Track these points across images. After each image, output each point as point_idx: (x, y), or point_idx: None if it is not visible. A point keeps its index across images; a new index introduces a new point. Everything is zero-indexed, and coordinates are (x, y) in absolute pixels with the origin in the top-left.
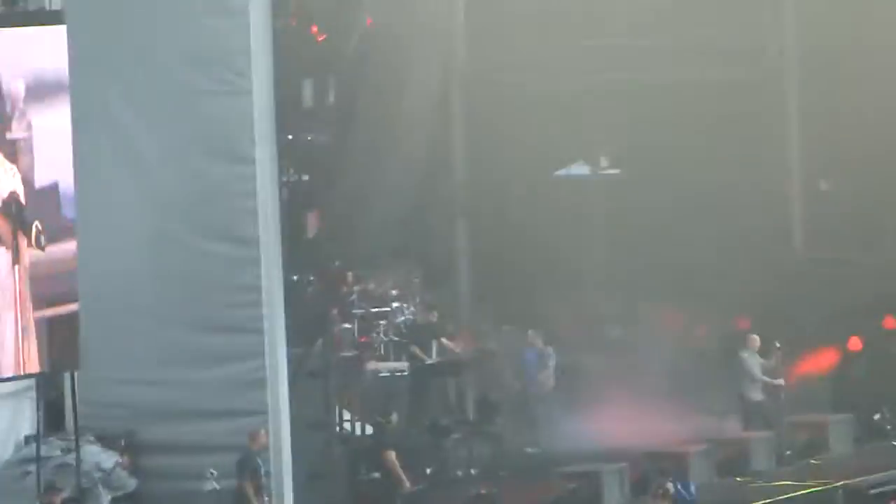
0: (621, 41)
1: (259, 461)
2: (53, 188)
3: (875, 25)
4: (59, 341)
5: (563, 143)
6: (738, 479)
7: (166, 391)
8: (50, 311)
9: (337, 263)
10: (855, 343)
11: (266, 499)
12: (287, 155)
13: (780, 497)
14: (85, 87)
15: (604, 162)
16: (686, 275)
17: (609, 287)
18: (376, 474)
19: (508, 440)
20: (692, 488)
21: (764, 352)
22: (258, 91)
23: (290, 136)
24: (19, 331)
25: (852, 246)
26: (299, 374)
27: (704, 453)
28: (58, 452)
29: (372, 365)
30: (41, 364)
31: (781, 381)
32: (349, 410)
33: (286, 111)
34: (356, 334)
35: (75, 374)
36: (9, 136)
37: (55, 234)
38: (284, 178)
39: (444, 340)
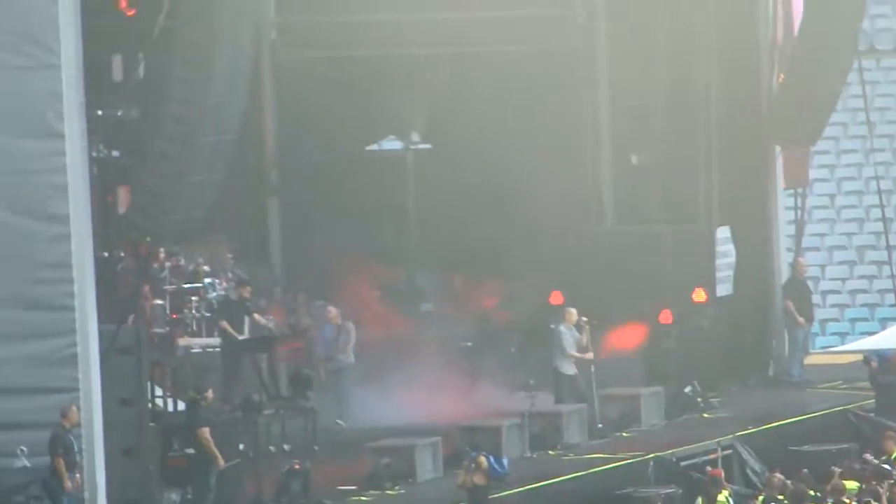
0: (433, 15)
1: (71, 438)
2: None
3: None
4: None
5: (375, 118)
6: (551, 452)
7: None
8: None
9: (148, 239)
10: (665, 316)
11: (77, 475)
12: (97, 130)
13: (593, 470)
14: None
15: (415, 136)
16: (497, 249)
17: (421, 262)
18: (190, 450)
19: (321, 415)
20: (505, 462)
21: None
22: (66, 66)
23: (99, 112)
24: None
25: (662, 219)
26: (111, 351)
27: (517, 427)
28: None
29: (184, 341)
30: None
31: (591, 355)
32: (161, 387)
33: (95, 86)
34: (168, 310)
35: None
36: None
37: None
38: (94, 154)
39: (256, 316)
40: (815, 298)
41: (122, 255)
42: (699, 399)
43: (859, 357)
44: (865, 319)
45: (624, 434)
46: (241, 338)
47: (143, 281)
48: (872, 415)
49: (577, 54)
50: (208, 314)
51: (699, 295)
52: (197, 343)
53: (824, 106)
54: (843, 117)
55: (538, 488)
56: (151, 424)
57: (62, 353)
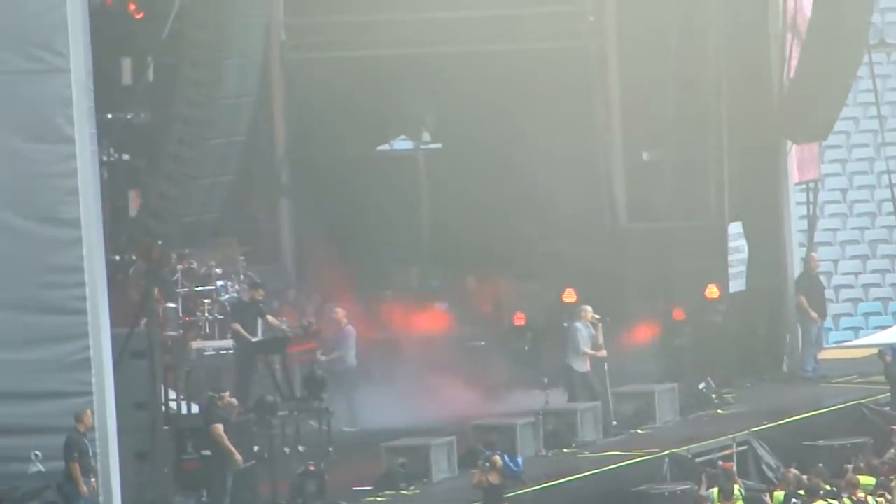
0: (443, 14)
1: (85, 442)
2: None
3: None
4: None
5: (386, 118)
6: (566, 450)
7: None
8: None
9: (160, 243)
10: (678, 313)
11: (92, 480)
12: (107, 134)
13: (608, 467)
14: None
15: (426, 136)
16: (510, 247)
17: (434, 262)
18: (206, 452)
19: (336, 416)
20: (520, 460)
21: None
22: (76, 70)
23: (109, 115)
24: None
25: (674, 216)
26: (124, 355)
27: (531, 425)
28: None
29: (197, 344)
30: None
31: (604, 353)
32: (174, 390)
33: (105, 90)
34: (180, 313)
35: None
36: None
37: None
38: (105, 158)
39: (269, 318)
40: (828, 293)
41: (134, 258)
42: (713, 395)
43: (873, 351)
44: (879, 313)
45: (639, 431)
46: (254, 340)
47: (154, 284)
48: (888, 409)
49: (588, 52)
50: (221, 317)
51: (712, 291)
52: (210, 346)
53: (835, 100)
54: (854, 111)
55: (553, 486)
56: (165, 428)
57: (75, 357)
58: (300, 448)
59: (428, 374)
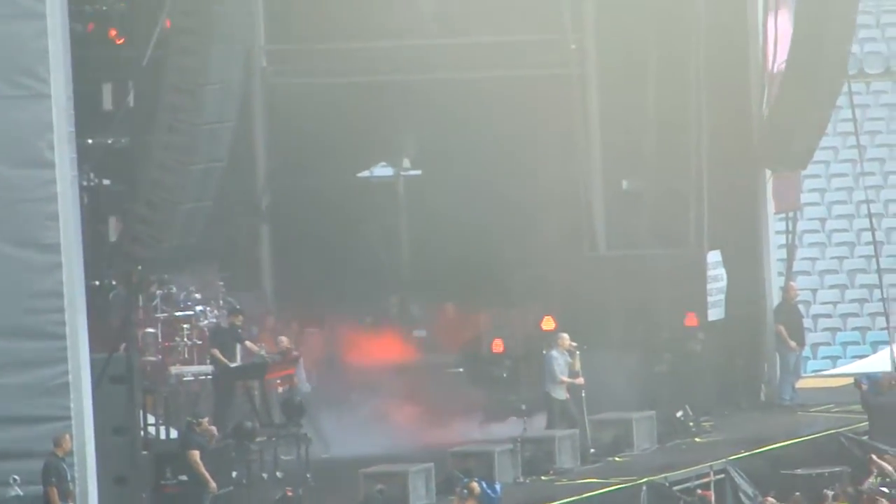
0: (424, 41)
1: (64, 467)
2: None
3: (671, 24)
4: None
5: (366, 145)
6: (544, 477)
7: None
8: None
9: (139, 268)
10: (657, 341)
11: None
12: (87, 159)
13: (586, 494)
14: None
15: (406, 163)
16: (489, 275)
17: (413, 289)
18: (183, 477)
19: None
20: (498, 487)
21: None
22: (56, 95)
23: (89, 141)
24: None
25: (654, 244)
26: (103, 380)
27: (509, 452)
28: None
29: (176, 369)
30: None
31: (582, 381)
32: (153, 415)
33: (85, 115)
34: (160, 338)
35: None
36: None
37: None
38: (85, 183)
39: (248, 343)
40: (807, 322)
41: (114, 283)
42: (691, 423)
43: (851, 380)
44: (857, 343)
45: (616, 459)
46: (232, 365)
47: (134, 309)
48: (865, 438)
49: (568, 80)
50: (200, 342)
51: (691, 319)
52: (189, 371)
53: (814, 130)
54: (834, 141)
55: None
56: (144, 452)
57: (54, 382)
58: (278, 474)
59: (405, 400)
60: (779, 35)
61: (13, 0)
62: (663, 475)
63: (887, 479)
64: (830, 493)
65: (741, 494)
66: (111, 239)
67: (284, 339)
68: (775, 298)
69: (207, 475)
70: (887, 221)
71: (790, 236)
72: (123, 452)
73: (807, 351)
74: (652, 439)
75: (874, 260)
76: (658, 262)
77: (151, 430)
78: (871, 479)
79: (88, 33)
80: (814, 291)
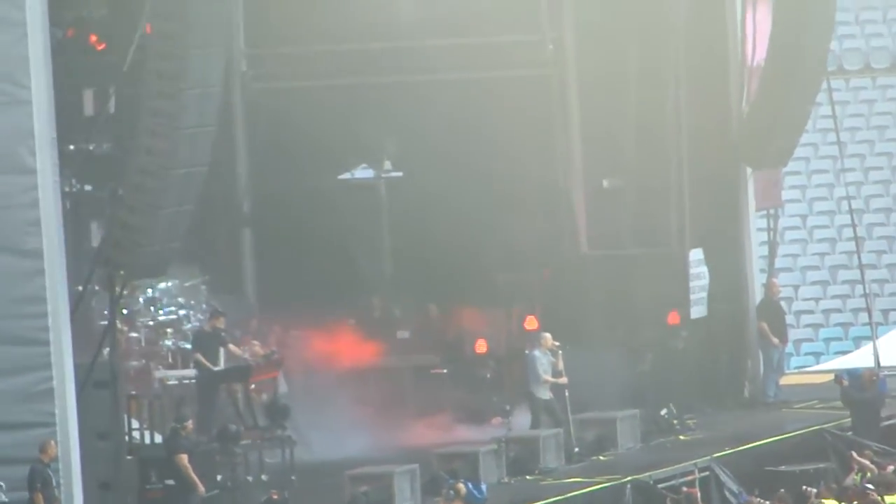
0: (403, 43)
1: (49, 472)
2: None
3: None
4: None
5: (347, 147)
6: (529, 477)
7: None
8: None
9: (122, 273)
10: (640, 339)
11: None
12: (69, 165)
13: (571, 494)
14: None
15: (387, 164)
16: (471, 275)
17: (396, 290)
18: (169, 481)
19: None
20: (483, 488)
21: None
22: (37, 101)
23: (71, 147)
24: None
25: (635, 243)
26: (86, 385)
27: (494, 453)
28: None
29: (160, 373)
30: None
31: (565, 380)
32: (138, 420)
33: (67, 121)
34: (143, 343)
35: None
36: None
37: None
38: (67, 189)
39: (231, 347)
40: (789, 319)
41: (97, 288)
42: (675, 421)
43: (832, 376)
44: (839, 339)
45: (601, 457)
46: (216, 369)
47: (117, 314)
48: (849, 433)
49: (547, 80)
50: (183, 346)
51: (673, 317)
52: (173, 375)
53: (794, 127)
54: (814, 138)
55: None
56: (129, 457)
57: (38, 388)
58: (263, 477)
59: (389, 402)
60: (758, 31)
61: None
62: (648, 473)
63: (868, 475)
64: (813, 490)
65: (726, 492)
66: (93, 244)
67: (257, 344)
68: (757, 295)
69: (196, 479)
70: (868, 217)
71: (772, 233)
72: (108, 457)
73: (790, 347)
74: (636, 438)
75: (856, 256)
76: (640, 260)
77: (136, 434)
78: (853, 476)
79: (69, 39)
80: (796, 288)
